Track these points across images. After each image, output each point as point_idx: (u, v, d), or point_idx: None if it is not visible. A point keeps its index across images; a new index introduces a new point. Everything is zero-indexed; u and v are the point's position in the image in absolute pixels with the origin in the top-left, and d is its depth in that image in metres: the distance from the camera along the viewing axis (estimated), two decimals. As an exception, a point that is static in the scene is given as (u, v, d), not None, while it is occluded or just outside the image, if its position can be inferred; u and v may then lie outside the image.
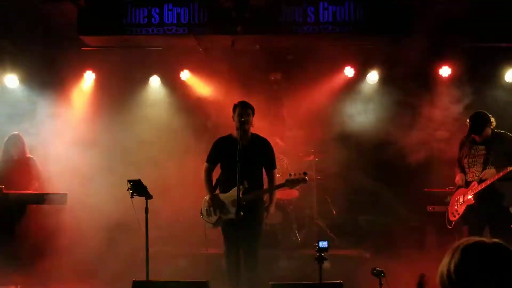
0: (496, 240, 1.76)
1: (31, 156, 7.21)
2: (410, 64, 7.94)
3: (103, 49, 7.95)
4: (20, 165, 7.10)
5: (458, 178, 5.91)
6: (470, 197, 5.64)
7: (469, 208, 5.67)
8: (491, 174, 5.51)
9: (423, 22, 7.10)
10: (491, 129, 5.75)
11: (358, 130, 8.18)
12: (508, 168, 5.41)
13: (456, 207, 5.86)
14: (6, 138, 7.15)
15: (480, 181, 5.63)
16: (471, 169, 5.79)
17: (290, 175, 5.58)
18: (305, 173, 5.55)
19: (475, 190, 5.61)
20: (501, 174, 5.44)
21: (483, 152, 5.71)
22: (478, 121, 5.74)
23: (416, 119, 8.00)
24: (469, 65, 7.92)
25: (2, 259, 6.42)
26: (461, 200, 5.79)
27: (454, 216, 5.86)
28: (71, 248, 6.94)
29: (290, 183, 5.55)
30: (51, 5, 7.17)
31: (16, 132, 7.20)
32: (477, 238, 1.78)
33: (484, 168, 5.65)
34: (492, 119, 5.76)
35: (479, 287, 1.67)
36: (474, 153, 5.77)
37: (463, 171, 5.92)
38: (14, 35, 7.58)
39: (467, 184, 5.80)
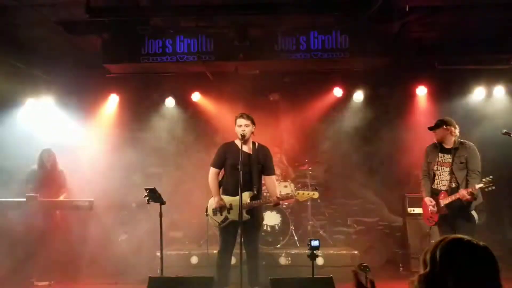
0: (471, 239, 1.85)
1: (62, 170, 7.15)
2: (390, 85, 7.85)
3: (125, 75, 7.89)
4: (53, 175, 7.04)
5: (429, 203, 5.53)
6: (443, 205, 5.40)
7: (442, 217, 5.49)
8: (464, 195, 5.21)
9: (401, 47, 7.00)
10: (457, 139, 5.46)
11: (346, 143, 8.00)
12: (476, 186, 5.16)
13: (430, 214, 5.57)
14: (40, 152, 7.08)
15: (451, 192, 5.39)
16: (437, 177, 5.52)
17: (299, 192, 5.35)
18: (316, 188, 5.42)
19: (447, 201, 5.38)
20: (470, 191, 5.19)
21: (449, 160, 5.45)
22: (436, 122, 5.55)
23: (396, 132, 7.85)
24: (442, 84, 7.77)
25: (38, 258, 6.33)
26: (434, 209, 5.48)
27: (431, 222, 5.66)
28: (96, 249, 6.84)
29: (301, 196, 5.33)
30: (79, 38, 7.13)
31: (49, 147, 7.14)
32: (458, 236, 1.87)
33: (450, 176, 5.42)
34: (453, 128, 5.44)
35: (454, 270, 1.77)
36: (442, 161, 5.49)
37: (429, 179, 5.61)
38: (47, 64, 7.51)
39: (435, 192, 5.55)
